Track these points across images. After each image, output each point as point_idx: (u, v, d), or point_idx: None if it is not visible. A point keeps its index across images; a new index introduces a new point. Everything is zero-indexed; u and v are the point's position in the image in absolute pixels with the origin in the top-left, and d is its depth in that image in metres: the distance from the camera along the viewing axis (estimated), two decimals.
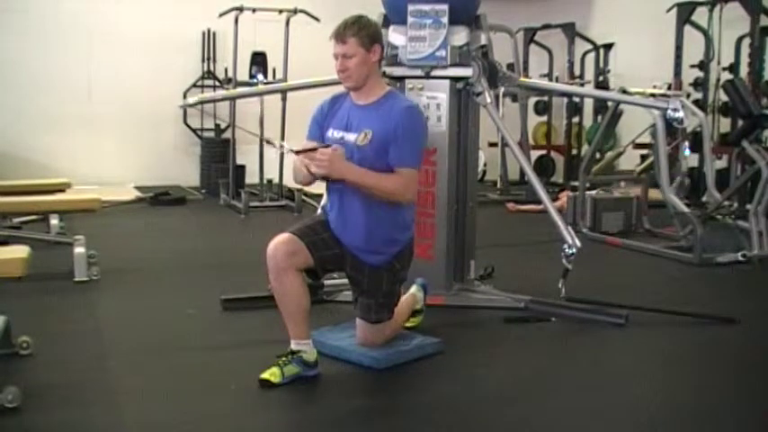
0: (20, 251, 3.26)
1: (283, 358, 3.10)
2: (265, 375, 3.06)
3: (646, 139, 7.40)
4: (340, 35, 3.21)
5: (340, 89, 3.44)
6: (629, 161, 8.31)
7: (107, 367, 3.28)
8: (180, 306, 4.21)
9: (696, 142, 7.18)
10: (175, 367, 3.32)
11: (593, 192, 6.92)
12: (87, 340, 3.62)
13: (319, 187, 3.55)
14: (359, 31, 3.20)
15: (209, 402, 2.96)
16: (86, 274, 4.64)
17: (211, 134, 9.61)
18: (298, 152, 3.20)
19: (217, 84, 9.46)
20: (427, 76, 4.24)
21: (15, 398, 2.76)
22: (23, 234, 5.44)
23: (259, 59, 8.40)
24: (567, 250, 4.05)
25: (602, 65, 9.91)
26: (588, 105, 10.17)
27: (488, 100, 4.27)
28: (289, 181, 8.07)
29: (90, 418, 2.79)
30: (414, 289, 3.79)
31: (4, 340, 3.27)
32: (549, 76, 10.26)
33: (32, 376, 3.13)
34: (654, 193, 6.83)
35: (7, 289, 3.53)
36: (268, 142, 4.12)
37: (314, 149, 3.14)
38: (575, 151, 10.22)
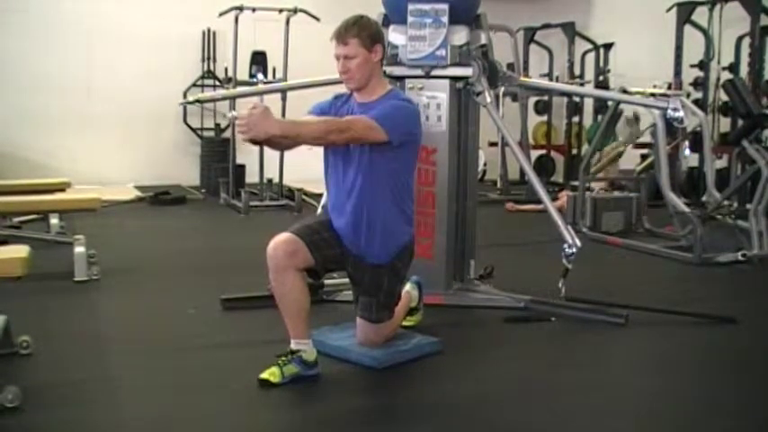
0: (20, 251, 3.26)
1: (283, 358, 3.10)
2: (265, 375, 3.06)
3: (646, 138, 7.40)
4: (341, 36, 3.21)
5: (340, 89, 3.44)
6: (630, 161, 8.32)
7: (107, 366, 3.28)
8: (180, 305, 4.21)
9: (696, 142, 7.19)
10: (175, 367, 3.32)
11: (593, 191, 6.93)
12: (87, 340, 3.62)
13: (320, 187, 3.55)
14: (360, 32, 3.20)
15: (208, 402, 2.96)
16: (86, 274, 4.64)
17: (211, 134, 9.61)
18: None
19: (217, 83, 9.46)
20: (427, 76, 4.24)
21: (15, 397, 2.76)
22: (23, 234, 5.44)
23: (259, 59, 8.40)
24: (567, 250, 4.05)
25: (602, 64, 9.91)
26: (588, 105, 10.17)
27: (488, 99, 4.26)
28: (288, 180, 8.10)
29: (90, 418, 2.79)
30: (408, 287, 3.78)
31: (5, 340, 3.27)
32: (550, 75, 10.26)
33: (32, 376, 3.13)
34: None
35: (7, 288, 3.52)
36: (224, 116, 4.08)
37: None
38: (575, 151, 10.22)
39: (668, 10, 8.09)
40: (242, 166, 8.52)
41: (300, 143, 3.09)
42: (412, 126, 3.29)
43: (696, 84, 8.30)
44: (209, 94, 8.66)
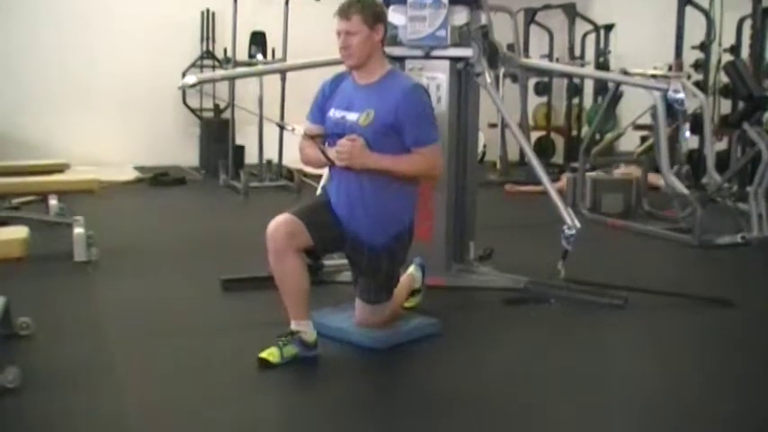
0: (19, 232, 3.26)
1: (283, 339, 3.11)
2: (264, 355, 3.07)
3: (646, 120, 7.37)
4: (344, 12, 3.20)
5: (339, 69, 3.43)
6: (630, 143, 8.30)
7: (107, 347, 3.29)
8: (180, 286, 4.21)
9: (696, 124, 7.17)
10: (175, 348, 3.32)
11: (593, 173, 6.92)
12: (87, 321, 3.63)
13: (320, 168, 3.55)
14: (363, 9, 3.19)
15: (208, 383, 2.97)
16: (86, 255, 4.64)
17: (211, 114, 9.58)
18: (312, 137, 3.24)
19: (216, 64, 9.42)
20: (427, 57, 4.22)
21: (16, 378, 2.77)
22: (22, 215, 5.43)
23: (258, 39, 8.36)
24: (566, 231, 4.05)
25: (602, 46, 9.87)
26: (588, 86, 10.14)
27: (488, 80, 4.25)
28: (288, 161, 8.09)
29: (90, 399, 2.80)
30: (411, 269, 3.79)
31: (4, 321, 3.27)
32: (550, 56, 10.21)
33: (32, 357, 3.14)
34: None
35: (7, 270, 3.53)
36: (280, 126, 4.10)
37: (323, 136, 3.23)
38: (575, 132, 10.19)
39: None
40: (241, 147, 8.50)
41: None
42: (434, 113, 3.37)
43: (697, 65, 8.26)
44: (208, 74, 8.64)
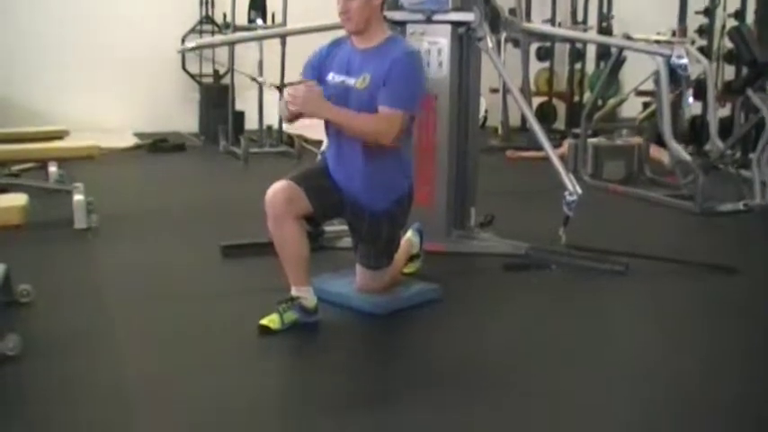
0: (18, 199, 3.25)
1: (283, 305, 3.11)
2: (264, 322, 3.07)
3: (649, 86, 7.32)
4: None
5: (339, 34, 3.39)
6: (632, 109, 8.25)
7: (106, 314, 3.29)
8: (179, 253, 4.20)
9: (700, 90, 7.12)
10: (175, 314, 3.33)
11: (595, 139, 6.88)
12: (87, 288, 3.63)
13: (319, 133, 3.52)
14: None
15: (208, 349, 2.97)
16: (86, 222, 4.62)
17: (210, 80, 9.52)
18: (278, 87, 3.19)
19: (215, 29, 9.34)
20: (428, 21, 4.18)
21: (16, 346, 2.77)
22: (22, 182, 5.41)
23: (258, 3, 8.28)
24: (568, 197, 4.04)
25: (605, 10, 9.77)
26: (591, 52, 10.05)
27: (490, 45, 4.21)
28: (288, 127, 8.04)
29: (90, 366, 2.80)
30: (409, 234, 3.78)
31: (4, 288, 3.26)
32: (552, 21, 10.12)
33: (32, 324, 3.14)
34: None
35: (6, 237, 3.51)
36: (252, 79, 4.05)
37: (297, 83, 3.14)
38: (577, 98, 10.13)
39: None
40: (241, 113, 8.45)
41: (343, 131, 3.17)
42: (423, 85, 3.34)
43: (701, 31, 8.19)
44: (207, 39, 8.56)
